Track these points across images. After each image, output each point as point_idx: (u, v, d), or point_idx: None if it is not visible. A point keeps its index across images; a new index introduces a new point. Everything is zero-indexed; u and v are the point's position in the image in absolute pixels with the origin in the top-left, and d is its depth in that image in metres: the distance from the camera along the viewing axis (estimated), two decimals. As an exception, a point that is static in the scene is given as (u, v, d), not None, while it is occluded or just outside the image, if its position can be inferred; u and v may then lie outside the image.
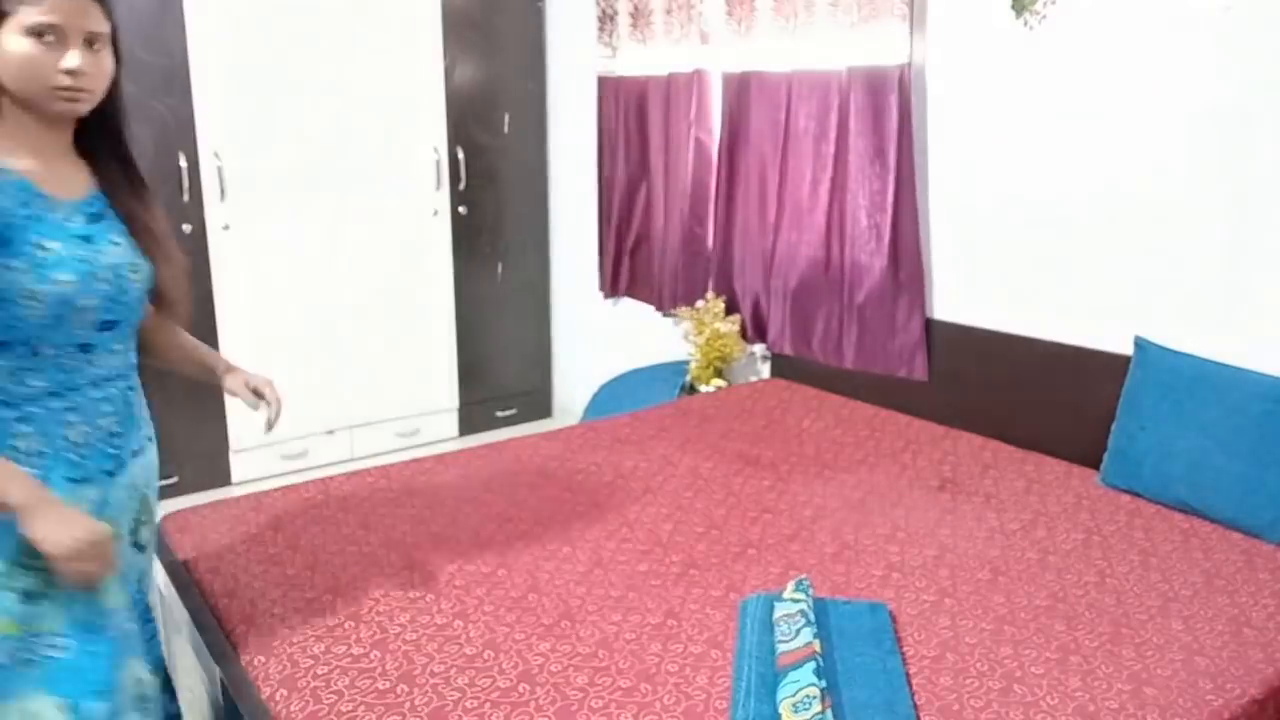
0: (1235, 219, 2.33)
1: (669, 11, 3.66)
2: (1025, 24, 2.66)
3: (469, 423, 4.48)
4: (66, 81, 1.36)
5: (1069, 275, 2.67)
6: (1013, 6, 2.67)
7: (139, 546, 1.61)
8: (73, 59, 1.36)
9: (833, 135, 3.10)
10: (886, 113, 2.93)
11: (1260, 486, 2.17)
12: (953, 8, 2.84)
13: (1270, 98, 2.23)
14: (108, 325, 1.46)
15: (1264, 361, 2.26)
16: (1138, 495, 2.39)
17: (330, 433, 4.06)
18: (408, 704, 1.58)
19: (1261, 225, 2.29)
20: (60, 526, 1.35)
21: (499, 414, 4.61)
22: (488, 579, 1.99)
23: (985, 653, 1.73)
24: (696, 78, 3.60)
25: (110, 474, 1.50)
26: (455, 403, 4.41)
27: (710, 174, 3.67)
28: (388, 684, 1.63)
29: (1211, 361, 2.31)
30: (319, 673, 1.66)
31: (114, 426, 1.50)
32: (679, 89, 3.67)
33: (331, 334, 3.95)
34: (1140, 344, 2.45)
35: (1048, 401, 2.72)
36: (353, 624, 1.81)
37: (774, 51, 3.26)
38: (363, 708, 1.57)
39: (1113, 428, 2.48)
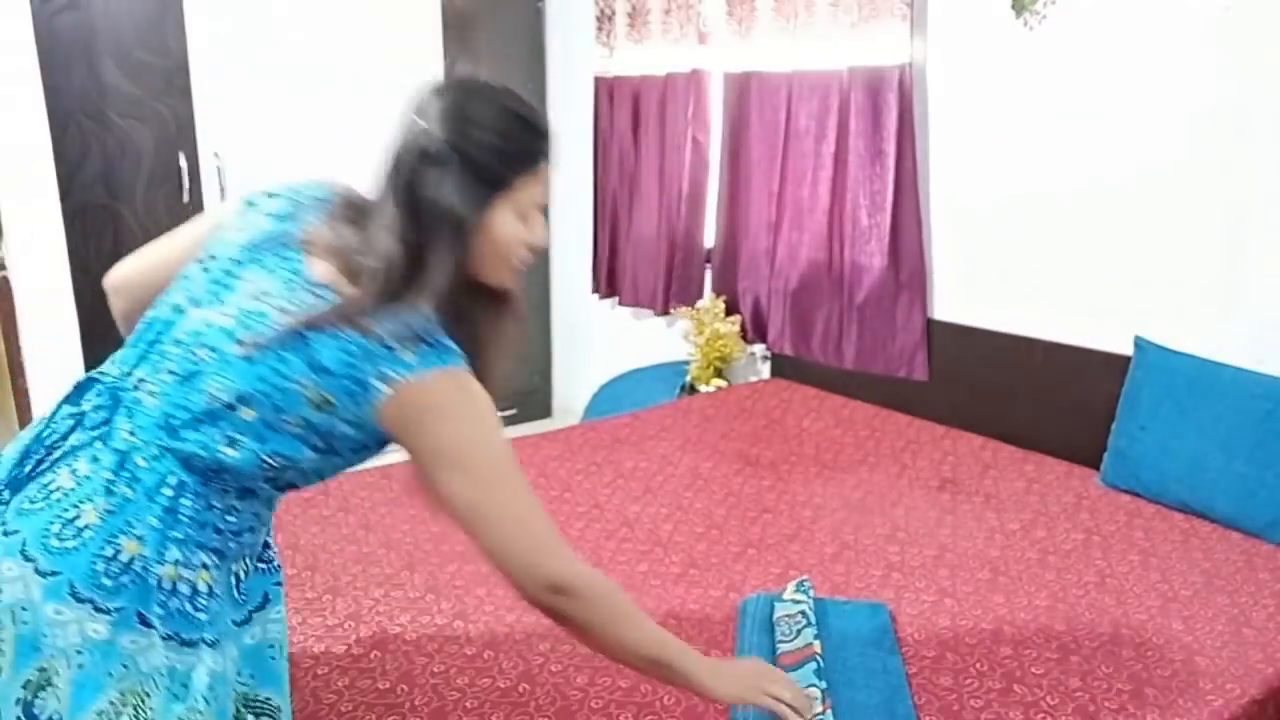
0: (1235, 219, 2.33)
1: (667, 11, 3.65)
2: (1025, 24, 2.66)
3: (469, 423, 4.47)
4: (528, 257, 1.22)
5: (1069, 275, 2.67)
6: (1013, 6, 2.67)
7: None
8: (544, 233, 1.23)
9: (833, 135, 3.10)
10: (886, 113, 2.93)
11: (1260, 486, 2.17)
12: (953, 8, 2.84)
13: (1270, 98, 2.23)
14: None
15: (1264, 361, 2.26)
16: (1138, 495, 2.39)
17: (330, 433, 4.05)
18: (407, 704, 1.58)
19: (1261, 225, 2.29)
20: (739, 681, 1.34)
21: (499, 414, 4.61)
22: (487, 579, 1.98)
23: (985, 653, 1.73)
24: (694, 78, 3.60)
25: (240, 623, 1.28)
26: (455, 403, 4.41)
27: (708, 174, 3.67)
28: (388, 684, 1.63)
29: (1211, 361, 2.31)
30: (319, 673, 1.66)
31: (260, 548, 1.30)
32: (676, 89, 3.66)
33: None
34: (1140, 344, 2.45)
35: (1048, 401, 2.72)
36: (353, 624, 1.81)
37: (774, 51, 3.26)
38: (363, 708, 1.57)
39: (1113, 428, 2.48)
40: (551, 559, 1.20)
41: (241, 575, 1.24)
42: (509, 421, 4.60)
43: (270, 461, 1.14)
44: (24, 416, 3.13)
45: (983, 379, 2.89)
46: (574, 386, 4.58)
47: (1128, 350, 2.49)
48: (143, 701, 1.09)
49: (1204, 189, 2.37)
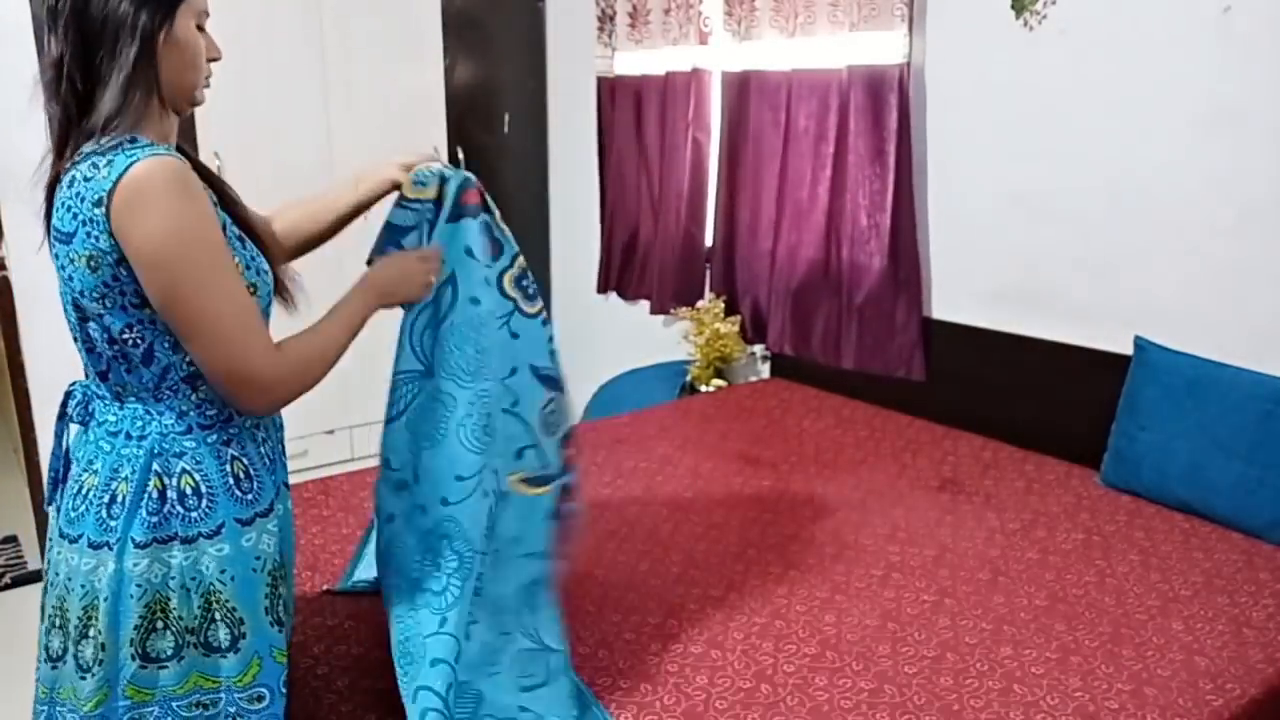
0: (1235, 218, 2.33)
1: (667, 11, 3.65)
2: (1025, 24, 2.66)
3: (469, 423, 4.48)
4: (210, 71, 1.30)
5: (1069, 275, 2.67)
6: (1013, 6, 2.67)
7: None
8: (218, 48, 1.32)
9: (832, 135, 3.10)
10: (886, 113, 2.92)
11: (1260, 486, 2.17)
12: (953, 8, 2.84)
13: (1270, 98, 2.23)
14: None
15: (1264, 361, 2.26)
16: (1138, 495, 2.39)
17: (330, 433, 4.06)
18: (408, 704, 1.57)
19: (1261, 225, 2.29)
20: (403, 279, 1.49)
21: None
22: (488, 579, 1.98)
23: (985, 653, 1.73)
24: (695, 78, 3.60)
25: (288, 486, 1.43)
26: (455, 403, 4.41)
27: (709, 174, 3.67)
28: (388, 684, 1.63)
29: (1211, 361, 2.31)
30: (319, 673, 1.66)
31: (278, 434, 1.42)
32: (677, 89, 3.67)
33: (331, 334, 3.94)
34: (1140, 344, 2.45)
35: (1048, 401, 2.72)
36: (353, 624, 1.81)
37: (774, 51, 3.26)
38: (362, 708, 1.57)
39: (1113, 428, 2.48)
40: (240, 364, 1.20)
41: (240, 475, 1.30)
42: (509, 421, 4.61)
43: (128, 336, 1.22)
44: (24, 416, 3.13)
45: (983, 379, 2.89)
46: (574, 386, 4.57)
47: (1128, 350, 2.49)
48: (166, 606, 1.24)
49: (1204, 189, 2.37)
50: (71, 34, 1.18)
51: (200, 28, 1.28)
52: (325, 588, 1.90)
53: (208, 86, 1.32)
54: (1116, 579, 2.00)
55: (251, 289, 1.26)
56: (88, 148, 1.19)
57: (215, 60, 1.32)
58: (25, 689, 2.31)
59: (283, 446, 1.42)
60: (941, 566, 2.06)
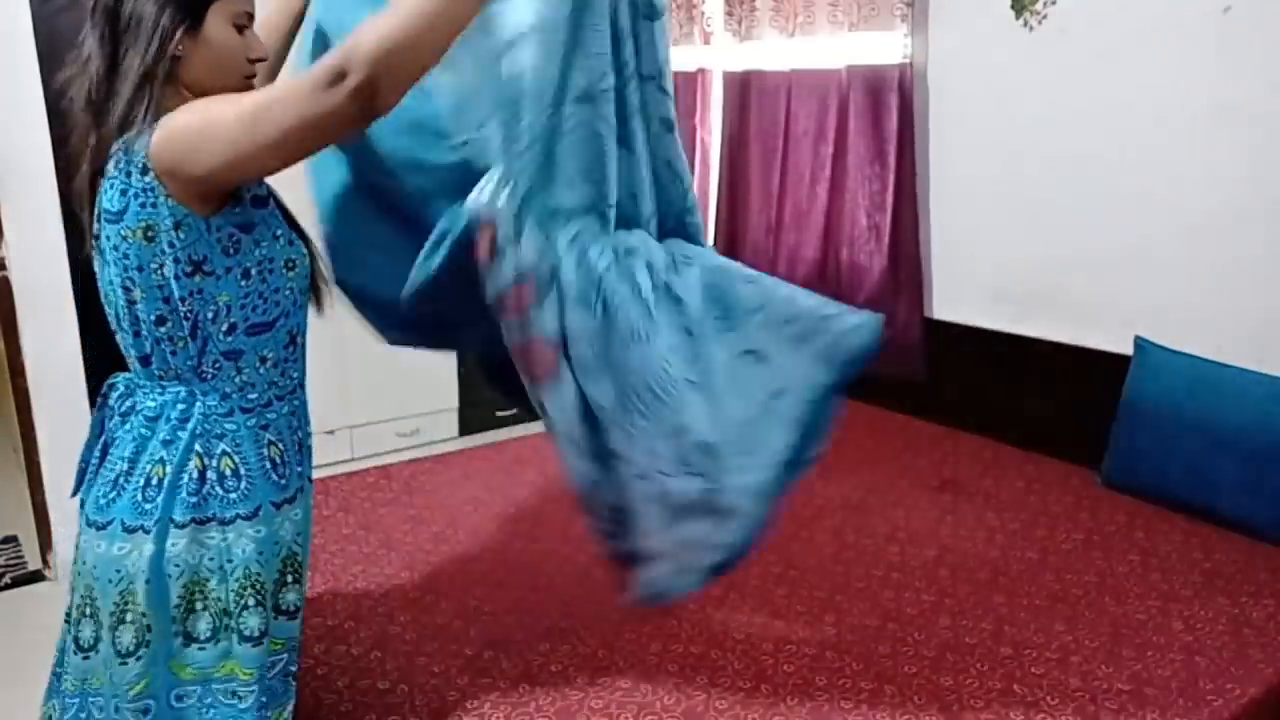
0: (1235, 219, 2.33)
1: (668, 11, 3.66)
2: (1025, 24, 2.66)
3: (469, 423, 4.47)
4: (252, 71, 1.30)
5: (1069, 275, 2.67)
6: (1013, 6, 2.67)
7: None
8: (263, 47, 1.31)
9: (832, 135, 3.10)
10: (886, 113, 2.93)
11: (1260, 486, 2.17)
12: (953, 8, 2.84)
13: (1270, 97, 2.23)
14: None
15: (1264, 361, 2.26)
16: (1138, 495, 2.39)
17: (330, 433, 4.05)
18: (408, 704, 1.58)
19: (1261, 225, 2.29)
20: None
21: (499, 414, 4.61)
22: (487, 579, 1.99)
23: (985, 653, 1.73)
24: (697, 78, 3.60)
25: (311, 481, 1.43)
26: (455, 403, 4.41)
27: (710, 174, 3.67)
28: (388, 684, 1.63)
29: (1211, 361, 2.31)
30: (319, 673, 1.66)
31: (307, 426, 1.42)
32: (679, 89, 3.67)
33: (331, 334, 3.94)
34: (1140, 344, 2.45)
35: (1048, 401, 2.72)
36: (353, 624, 1.81)
37: (774, 51, 3.26)
38: (362, 708, 1.57)
39: (1113, 428, 2.48)
40: (318, 70, 1.08)
41: (277, 460, 1.32)
42: (509, 421, 4.60)
43: (183, 309, 1.23)
44: (24, 417, 3.13)
45: (983, 379, 2.89)
46: (574, 386, 4.57)
47: (1128, 350, 2.49)
48: (204, 588, 1.26)
49: (1204, 189, 2.37)
50: (101, 28, 1.21)
51: (241, 28, 1.27)
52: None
53: (251, 86, 1.31)
54: (1116, 579, 2.00)
55: (290, 264, 1.29)
56: (122, 136, 1.20)
57: (259, 60, 1.31)
58: (24, 688, 2.30)
59: (311, 441, 1.43)
60: (941, 566, 2.06)
